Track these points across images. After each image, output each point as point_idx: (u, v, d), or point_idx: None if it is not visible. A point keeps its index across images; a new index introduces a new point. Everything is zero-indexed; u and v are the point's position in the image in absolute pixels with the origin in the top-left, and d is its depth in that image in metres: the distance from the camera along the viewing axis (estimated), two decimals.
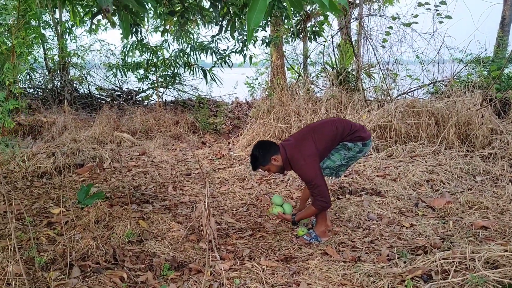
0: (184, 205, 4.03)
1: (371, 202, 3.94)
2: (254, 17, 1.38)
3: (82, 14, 5.05)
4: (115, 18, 3.77)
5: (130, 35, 4.82)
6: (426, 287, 2.32)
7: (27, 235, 2.98)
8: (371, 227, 3.47)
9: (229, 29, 4.40)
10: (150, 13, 7.24)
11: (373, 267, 2.72)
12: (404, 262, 2.76)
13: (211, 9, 4.14)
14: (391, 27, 7.44)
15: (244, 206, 4.02)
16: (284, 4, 3.82)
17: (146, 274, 2.65)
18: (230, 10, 4.13)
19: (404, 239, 3.20)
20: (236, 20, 4.14)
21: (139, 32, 5.51)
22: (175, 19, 5.04)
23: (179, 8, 4.33)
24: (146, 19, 7.29)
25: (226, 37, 5.66)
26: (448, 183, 4.37)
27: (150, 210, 3.79)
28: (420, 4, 7.43)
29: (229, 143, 6.74)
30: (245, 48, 5.47)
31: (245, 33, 5.15)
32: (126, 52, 7.66)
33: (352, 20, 8.10)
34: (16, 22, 5.68)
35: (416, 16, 7.37)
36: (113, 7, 3.11)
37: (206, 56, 7.22)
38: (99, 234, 3.07)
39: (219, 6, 4.00)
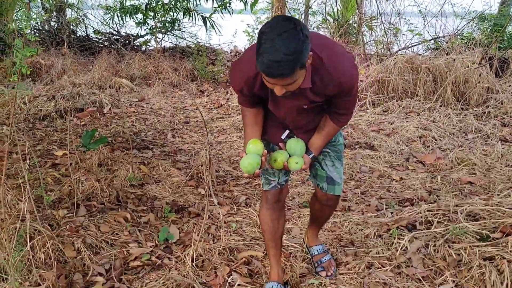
0: (183, 152, 4.16)
1: (364, 156, 4.08)
2: None
3: None
4: None
5: None
6: (410, 235, 2.49)
7: (34, 175, 3.10)
8: (362, 179, 3.63)
9: None
10: None
11: (362, 216, 2.90)
12: (391, 213, 2.94)
13: None
14: None
15: None
16: None
17: (148, 215, 2.81)
18: None
19: (393, 192, 3.37)
20: None
21: None
22: None
23: None
24: None
25: None
26: (440, 139, 4.50)
27: (150, 156, 3.91)
28: None
29: (227, 92, 6.78)
30: None
31: None
32: None
33: None
34: None
35: None
36: None
37: (207, 1, 7.09)
38: (102, 177, 3.20)
39: None
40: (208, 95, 6.71)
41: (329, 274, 2.28)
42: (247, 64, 1.67)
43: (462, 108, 5.37)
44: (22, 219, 2.14)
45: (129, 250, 2.41)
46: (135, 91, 6.52)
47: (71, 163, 3.42)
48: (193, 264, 2.28)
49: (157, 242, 2.53)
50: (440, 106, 5.37)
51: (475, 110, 5.24)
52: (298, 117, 1.85)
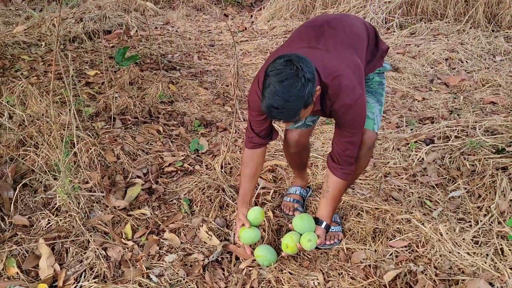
0: (209, 73, 4.26)
1: (388, 77, 4.10)
2: None
3: None
4: None
5: None
6: (427, 148, 2.61)
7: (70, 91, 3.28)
8: (385, 99, 3.69)
9: None
10: None
11: (382, 132, 3.02)
12: (411, 129, 3.04)
13: None
14: None
15: None
16: None
17: (179, 129, 2.99)
18: None
19: (414, 111, 3.44)
20: None
21: None
22: None
23: None
24: None
25: None
26: (466, 62, 4.45)
27: (178, 76, 4.03)
28: None
29: (251, 16, 6.71)
30: None
31: None
32: None
33: None
34: None
35: None
36: None
37: None
38: (134, 94, 3.37)
39: None
40: (232, 19, 6.66)
41: (327, 242, 1.93)
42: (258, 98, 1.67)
43: (493, 30, 5.22)
44: (66, 128, 2.34)
45: (163, 158, 2.62)
46: (159, 15, 6.51)
47: (103, 82, 3.59)
48: (222, 170, 2.48)
49: (188, 152, 2.73)
50: (470, 28, 5.23)
51: (507, 32, 5.09)
52: None
